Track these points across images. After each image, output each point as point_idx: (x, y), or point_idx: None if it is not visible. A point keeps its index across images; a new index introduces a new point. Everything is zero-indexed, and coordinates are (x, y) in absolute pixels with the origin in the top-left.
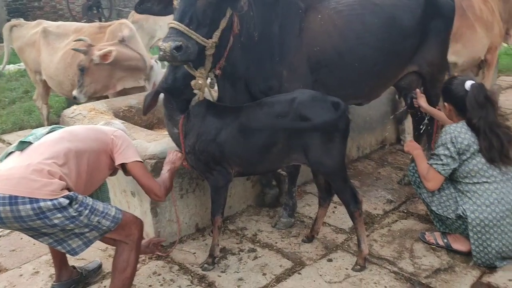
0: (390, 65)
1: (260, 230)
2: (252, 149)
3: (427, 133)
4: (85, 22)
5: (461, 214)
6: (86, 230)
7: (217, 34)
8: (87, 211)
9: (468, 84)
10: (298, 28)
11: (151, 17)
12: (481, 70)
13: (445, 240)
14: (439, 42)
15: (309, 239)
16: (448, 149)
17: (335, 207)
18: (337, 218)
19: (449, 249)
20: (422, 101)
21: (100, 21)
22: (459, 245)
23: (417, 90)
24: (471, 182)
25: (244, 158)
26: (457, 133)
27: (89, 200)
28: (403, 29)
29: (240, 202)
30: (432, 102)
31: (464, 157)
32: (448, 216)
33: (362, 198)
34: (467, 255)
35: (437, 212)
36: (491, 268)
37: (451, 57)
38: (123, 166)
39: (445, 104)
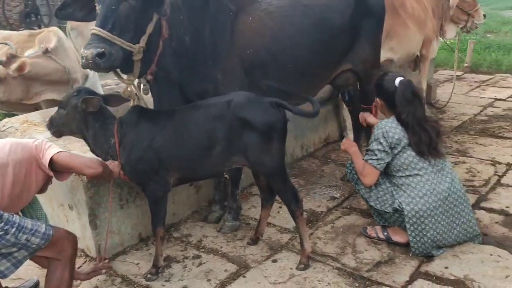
0: (324, 64)
1: (205, 235)
2: (190, 153)
3: (366, 131)
4: (23, 30)
5: (398, 207)
6: (14, 249)
7: (144, 39)
8: (13, 229)
9: (397, 80)
10: (230, 31)
11: (90, 23)
12: (417, 65)
13: (385, 233)
14: (371, 40)
15: (254, 241)
16: (380, 143)
17: (280, 207)
18: (281, 218)
19: (389, 242)
20: (370, 118)
21: (40, 28)
22: (399, 237)
23: (362, 114)
24: (404, 175)
25: (182, 162)
26: (388, 128)
27: (16, 218)
28: (334, 29)
29: (185, 208)
30: (368, 98)
31: (396, 151)
32: (386, 210)
33: (302, 197)
34: (406, 247)
35: (375, 207)
36: (429, 257)
37: (387, 54)
38: (54, 170)
39: (377, 99)
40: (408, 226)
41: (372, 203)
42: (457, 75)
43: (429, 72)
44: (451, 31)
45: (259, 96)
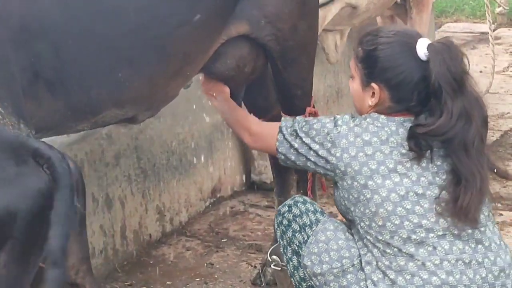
0: (175, 30)
1: None
2: None
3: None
4: None
5: None
6: None
7: None
8: None
9: (423, 43)
10: None
11: None
12: (408, 15)
13: None
14: None
15: None
16: (315, 142)
17: None
18: None
19: None
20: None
21: None
22: None
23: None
24: (395, 247)
25: None
26: (349, 137)
27: None
28: None
29: None
30: (293, 102)
31: (360, 180)
32: None
33: None
34: None
35: None
36: None
37: None
38: None
39: (374, 85)
40: None
41: None
42: (481, 32)
43: (430, 30)
44: None
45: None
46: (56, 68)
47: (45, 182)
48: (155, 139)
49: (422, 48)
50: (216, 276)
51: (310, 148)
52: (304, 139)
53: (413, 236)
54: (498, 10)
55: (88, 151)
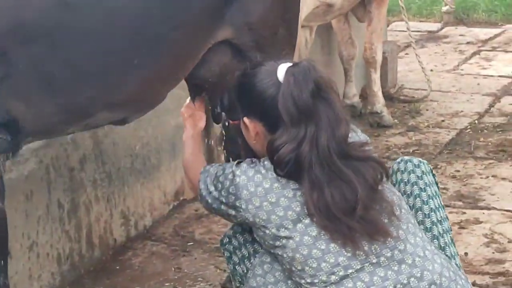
0: (173, 29)
1: None
2: None
3: None
4: None
5: None
6: None
7: None
8: None
9: (281, 69)
10: None
11: None
12: (366, 11)
13: None
14: None
15: None
16: (220, 191)
17: None
18: None
19: None
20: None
21: None
22: None
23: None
24: (316, 282)
25: None
26: (246, 183)
27: None
28: None
29: None
30: None
31: (269, 232)
32: None
33: None
34: None
35: None
36: None
37: None
38: None
39: (245, 120)
40: None
41: None
42: (428, 31)
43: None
44: None
45: None
46: (48, 70)
47: None
48: (119, 143)
49: (281, 71)
50: (186, 280)
51: (221, 202)
52: (214, 193)
53: (333, 277)
54: (444, 9)
55: (54, 156)
